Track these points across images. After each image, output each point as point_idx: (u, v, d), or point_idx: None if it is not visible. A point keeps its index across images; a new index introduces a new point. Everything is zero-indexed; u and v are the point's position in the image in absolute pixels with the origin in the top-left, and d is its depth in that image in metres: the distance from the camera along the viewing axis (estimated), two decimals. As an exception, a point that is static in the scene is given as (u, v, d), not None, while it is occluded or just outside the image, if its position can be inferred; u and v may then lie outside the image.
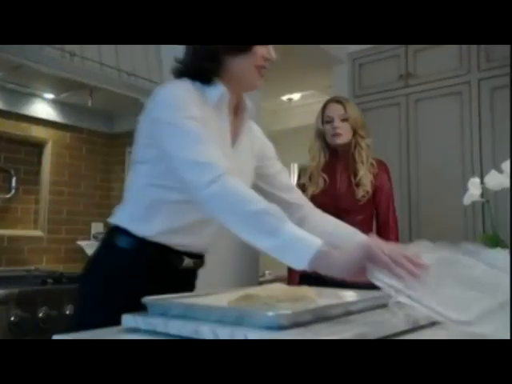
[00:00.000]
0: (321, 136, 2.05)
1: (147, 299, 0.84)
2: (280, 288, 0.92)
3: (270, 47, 1.17)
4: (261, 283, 2.75)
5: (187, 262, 1.11)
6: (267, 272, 5.10)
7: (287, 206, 1.16)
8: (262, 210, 0.87)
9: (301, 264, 0.82)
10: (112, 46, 2.29)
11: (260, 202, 0.89)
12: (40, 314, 1.70)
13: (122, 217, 1.11)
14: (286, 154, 5.59)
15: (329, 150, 2.04)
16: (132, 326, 0.81)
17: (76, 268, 2.02)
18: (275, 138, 6.47)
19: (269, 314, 0.69)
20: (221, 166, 0.93)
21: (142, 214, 1.07)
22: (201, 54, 1.10)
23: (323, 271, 0.83)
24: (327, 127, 2.00)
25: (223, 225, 0.93)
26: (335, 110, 2.00)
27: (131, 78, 2.30)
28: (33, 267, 2.15)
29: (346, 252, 0.84)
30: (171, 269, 1.09)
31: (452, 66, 3.05)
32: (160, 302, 0.84)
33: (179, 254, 1.10)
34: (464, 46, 3.01)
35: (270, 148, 1.32)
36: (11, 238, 2.23)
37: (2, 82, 2.10)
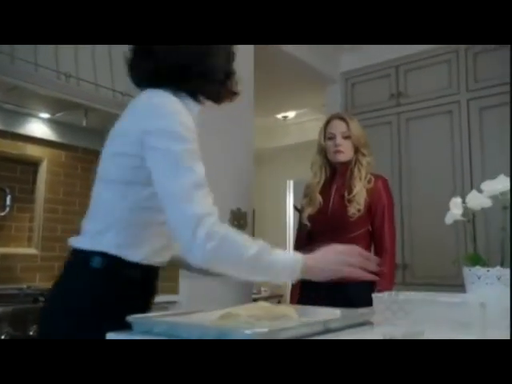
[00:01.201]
0: (322, 152, 2.03)
1: (131, 317, 0.86)
2: (261, 307, 0.94)
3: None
4: (255, 300, 2.75)
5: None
6: (263, 289, 5.11)
7: None
8: (257, 252, 0.93)
9: (293, 279, 1.02)
10: (107, 68, 2.35)
11: (252, 244, 0.94)
12: (31, 332, 1.70)
13: (106, 244, 1.01)
14: (282, 170, 5.66)
15: (330, 167, 2.03)
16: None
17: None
18: (271, 154, 6.55)
19: (246, 332, 0.71)
20: (213, 215, 0.94)
21: (131, 240, 1.02)
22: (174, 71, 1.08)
23: (312, 276, 1.01)
24: (329, 144, 1.98)
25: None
26: (337, 127, 1.97)
27: (126, 98, 2.34)
28: (25, 285, 2.16)
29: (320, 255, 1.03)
30: (150, 285, 1.10)
31: (442, 85, 3.12)
32: (144, 321, 0.86)
33: (157, 269, 1.10)
34: (453, 67, 3.08)
35: None
36: (4, 256, 2.24)
37: (-2, 103, 2.14)
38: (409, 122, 3.23)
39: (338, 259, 1.02)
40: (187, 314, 0.97)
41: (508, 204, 1.18)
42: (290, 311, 0.90)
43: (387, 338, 0.84)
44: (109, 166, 1.07)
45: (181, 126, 0.97)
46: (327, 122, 2.03)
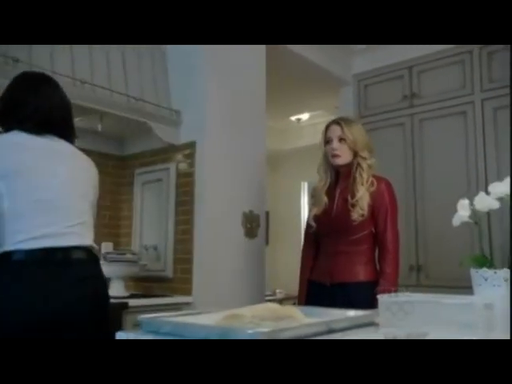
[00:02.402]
0: (325, 157, 2.07)
1: (141, 317, 0.90)
2: (267, 308, 0.96)
3: None
4: (270, 301, 2.77)
5: None
6: (278, 290, 5.12)
7: None
8: None
9: None
10: (121, 74, 2.40)
11: None
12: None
13: None
14: (296, 172, 5.67)
15: (333, 170, 2.06)
16: (126, 344, 0.86)
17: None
18: (285, 157, 6.56)
19: (248, 331, 0.73)
20: None
21: None
22: None
23: None
24: (327, 148, 2.02)
25: None
26: (333, 131, 2.01)
27: (139, 103, 2.40)
28: None
29: None
30: None
31: (456, 86, 3.10)
32: (152, 321, 0.89)
33: None
34: (467, 67, 3.06)
35: None
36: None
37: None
38: (422, 124, 3.22)
39: None
40: (194, 315, 0.99)
41: (515, 206, 1.18)
42: (294, 312, 0.92)
43: (389, 337, 0.86)
44: None
45: None
46: (326, 127, 2.07)
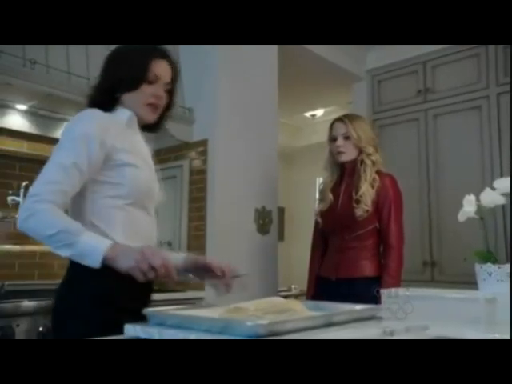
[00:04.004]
0: (331, 154, 2.10)
1: (147, 311, 0.93)
2: (270, 301, 0.99)
3: (159, 86, 1.29)
4: (286, 297, 2.80)
5: None
6: (293, 286, 5.15)
7: None
8: (57, 232, 1.08)
9: (96, 263, 1.08)
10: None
11: (57, 225, 1.09)
12: (65, 325, 1.82)
13: None
14: (311, 168, 5.67)
15: (339, 167, 2.08)
16: (132, 335, 0.90)
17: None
18: (300, 153, 6.57)
19: (248, 323, 0.76)
20: (38, 196, 1.10)
21: None
22: (101, 93, 1.28)
23: (117, 264, 1.07)
24: (332, 145, 2.05)
25: None
26: (338, 129, 2.03)
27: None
28: (59, 281, 2.29)
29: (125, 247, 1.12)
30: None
31: (470, 80, 3.07)
32: (158, 314, 0.92)
33: None
34: (482, 61, 3.02)
35: None
36: (43, 254, 2.38)
37: (35, 109, 2.27)
38: (436, 119, 3.20)
39: (135, 253, 1.07)
40: (199, 308, 1.03)
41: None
42: (296, 305, 0.95)
43: (388, 332, 0.88)
44: None
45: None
46: (331, 125, 2.09)
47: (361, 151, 2.00)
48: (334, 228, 2.00)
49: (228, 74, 2.61)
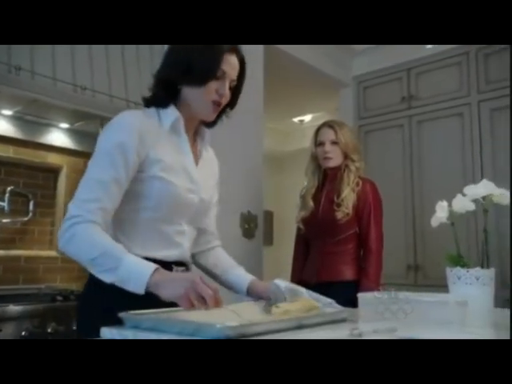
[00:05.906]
0: (314, 159, 2.13)
1: (122, 314, 0.95)
2: (247, 305, 1.02)
3: (225, 83, 1.20)
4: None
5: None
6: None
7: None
8: (98, 255, 1.04)
9: (140, 289, 1.01)
10: (121, 79, 2.47)
11: (98, 247, 1.05)
12: (49, 330, 1.83)
13: None
14: (300, 172, 5.67)
15: (321, 173, 2.11)
16: (109, 338, 0.92)
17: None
18: (289, 157, 6.59)
19: (217, 326, 0.79)
20: (81, 217, 1.07)
21: None
22: (160, 82, 1.20)
23: (163, 291, 1.01)
24: (319, 150, 2.07)
25: None
26: (326, 135, 2.06)
27: (139, 108, 2.46)
28: (43, 285, 2.30)
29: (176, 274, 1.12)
30: None
31: (453, 88, 3.13)
32: (132, 317, 0.94)
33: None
34: (464, 69, 3.09)
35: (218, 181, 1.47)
36: (28, 258, 2.39)
37: (20, 115, 2.28)
38: (420, 125, 3.25)
39: (185, 281, 1.00)
40: (182, 311, 1.03)
41: (488, 208, 1.22)
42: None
43: (356, 334, 0.91)
44: None
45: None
46: (317, 130, 2.11)
47: (346, 157, 2.03)
48: (316, 233, 2.03)
49: (214, 80, 2.63)
